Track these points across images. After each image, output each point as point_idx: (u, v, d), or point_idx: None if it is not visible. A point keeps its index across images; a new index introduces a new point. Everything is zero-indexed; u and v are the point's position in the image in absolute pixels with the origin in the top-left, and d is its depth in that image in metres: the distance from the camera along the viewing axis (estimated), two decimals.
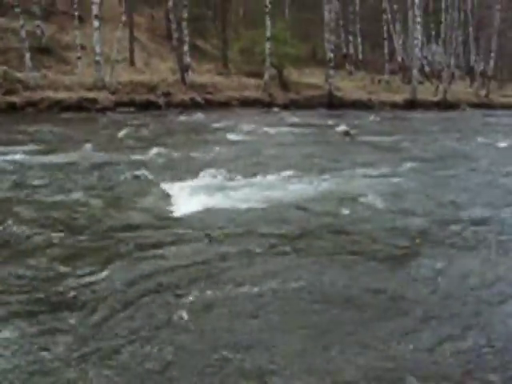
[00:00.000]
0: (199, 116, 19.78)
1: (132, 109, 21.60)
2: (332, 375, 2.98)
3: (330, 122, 18.21)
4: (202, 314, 3.65)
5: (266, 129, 15.87)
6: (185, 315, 3.58)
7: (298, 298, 3.94)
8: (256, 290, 4.04)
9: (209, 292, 3.97)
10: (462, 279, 4.40)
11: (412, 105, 29.88)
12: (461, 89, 36.94)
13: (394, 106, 29.36)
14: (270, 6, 27.90)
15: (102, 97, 21.59)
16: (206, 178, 7.74)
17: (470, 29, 43.51)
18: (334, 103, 27.55)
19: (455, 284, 4.32)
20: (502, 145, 13.98)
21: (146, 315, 3.62)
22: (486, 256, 4.97)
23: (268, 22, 27.74)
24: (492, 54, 36.70)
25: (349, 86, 31.74)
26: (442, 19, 39.91)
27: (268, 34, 27.70)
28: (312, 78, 30.78)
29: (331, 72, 29.16)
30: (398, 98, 30.80)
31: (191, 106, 23.28)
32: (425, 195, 7.37)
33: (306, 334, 3.44)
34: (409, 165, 9.86)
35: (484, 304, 3.96)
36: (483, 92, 36.19)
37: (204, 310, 3.70)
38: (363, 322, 3.63)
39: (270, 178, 7.96)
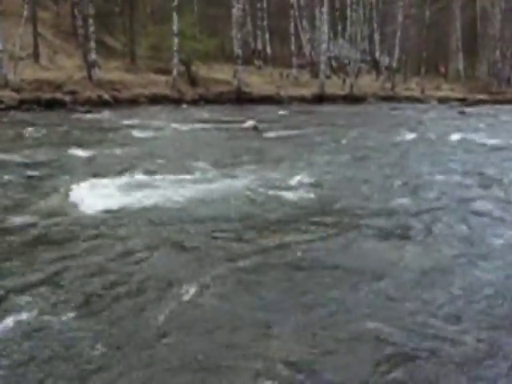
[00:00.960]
0: (107, 114, 19.55)
1: (37, 107, 21.01)
2: None
3: (239, 118, 18.29)
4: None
5: (174, 125, 15.87)
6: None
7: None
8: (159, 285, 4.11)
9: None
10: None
11: (320, 99, 30.39)
12: (367, 82, 37.88)
13: (303, 100, 29.74)
14: (177, 2, 27.63)
15: (5, 95, 20.89)
16: (110, 177, 7.71)
17: (375, 24, 44.65)
18: (242, 98, 27.63)
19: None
20: (408, 137, 14.51)
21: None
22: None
23: (175, 18, 27.46)
24: (396, 49, 37.83)
25: (257, 81, 31.96)
26: (348, 15, 40.83)
27: (175, 29, 27.43)
28: (221, 74, 30.81)
29: (239, 67, 29.25)
30: (307, 92, 31.26)
31: (98, 103, 22.82)
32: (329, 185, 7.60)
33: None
34: (314, 157, 10.12)
35: None
36: (389, 85, 37.18)
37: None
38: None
39: (176, 176, 8.00)
